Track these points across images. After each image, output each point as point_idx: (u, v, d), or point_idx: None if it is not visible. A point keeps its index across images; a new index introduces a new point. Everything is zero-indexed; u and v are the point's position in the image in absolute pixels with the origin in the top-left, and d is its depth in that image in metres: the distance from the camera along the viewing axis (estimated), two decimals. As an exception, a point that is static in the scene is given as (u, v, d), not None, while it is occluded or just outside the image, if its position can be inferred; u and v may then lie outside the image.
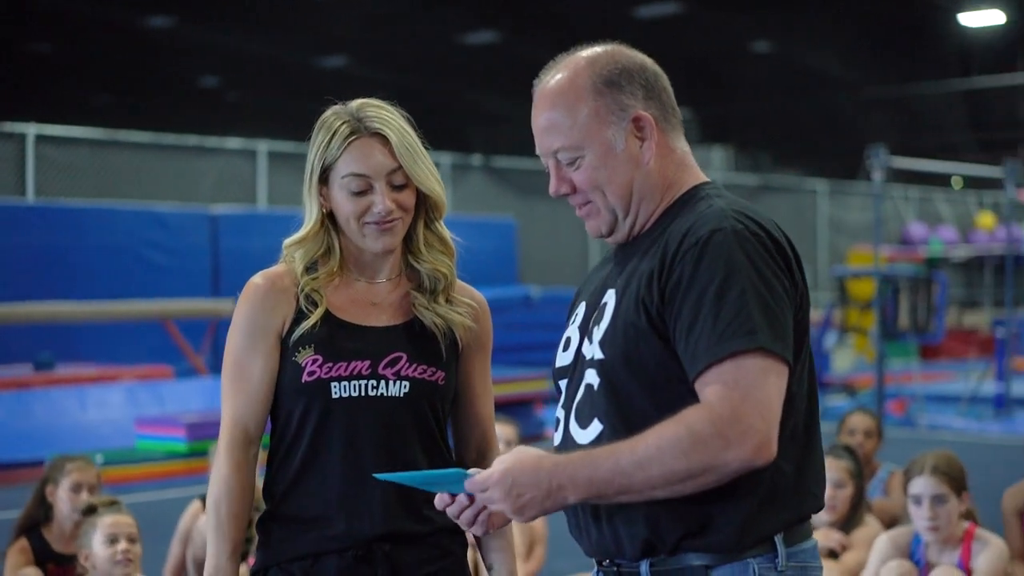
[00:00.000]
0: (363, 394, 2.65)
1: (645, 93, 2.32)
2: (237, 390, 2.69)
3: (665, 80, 2.37)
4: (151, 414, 11.16)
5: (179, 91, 25.32)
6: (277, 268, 2.90)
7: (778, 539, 2.20)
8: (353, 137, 2.73)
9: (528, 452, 2.21)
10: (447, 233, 2.92)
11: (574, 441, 2.32)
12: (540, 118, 2.35)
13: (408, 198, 2.76)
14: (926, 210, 24.10)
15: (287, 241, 2.90)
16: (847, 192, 23.02)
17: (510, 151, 21.04)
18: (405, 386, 2.68)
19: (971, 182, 26.26)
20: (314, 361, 2.66)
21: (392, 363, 2.68)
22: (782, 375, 2.11)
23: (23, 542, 5.27)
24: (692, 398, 2.14)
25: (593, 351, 2.30)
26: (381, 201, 2.70)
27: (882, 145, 13.80)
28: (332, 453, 2.65)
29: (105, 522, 4.78)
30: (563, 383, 2.40)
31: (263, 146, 16.37)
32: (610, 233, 2.38)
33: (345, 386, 2.65)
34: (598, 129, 2.30)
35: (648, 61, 2.37)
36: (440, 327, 2.76)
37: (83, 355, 13.72)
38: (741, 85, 27.05)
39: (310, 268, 2.83)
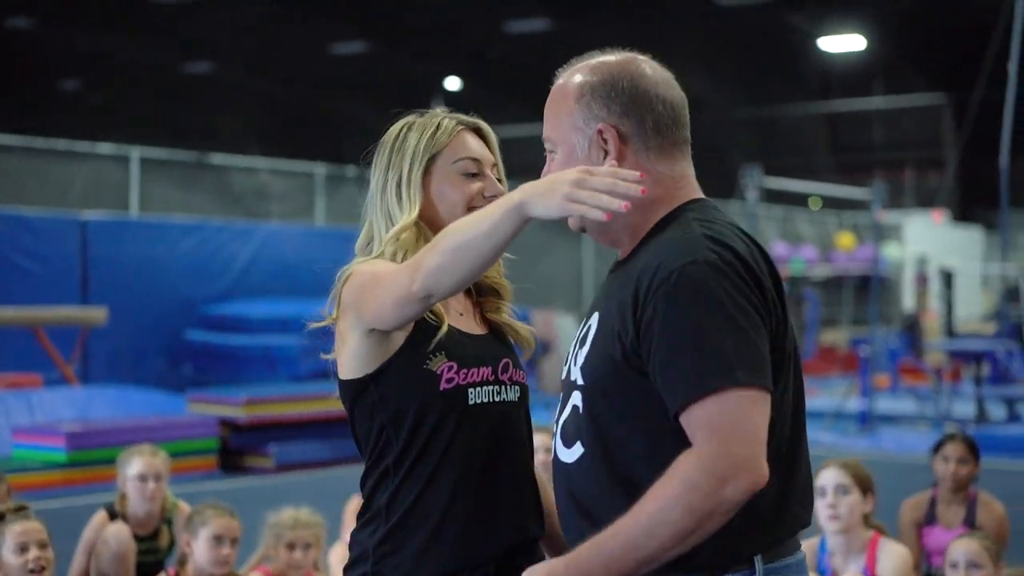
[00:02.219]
0: (491, 400, 2.61)
1: (623, 109, 2.35)
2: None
3: (667, 103, 2.37)
4: (22, 423, 10.91)
5: (40, 94, 24.78)
6: None
7: (757, 559, 2.23)
8: (460, 127, 2.73)
9: (541, 568, 2.26)
10: None
11: (559, 459, 2.38)
12: (547, 103, 2.44)
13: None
14: (788, 229, 24.65)
15: (387, 237, 2.70)
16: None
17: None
18: (517, 390, 2.67)
19: (830, 203, 26.93)
20: (450, 368, 2.57)
21: (505, 368, 2.65)
22: (764, 403, 2.15)
23: None
24: (671, 430, 2.18)
25: (576, 375, 2.35)
26: (494, 186, 2.69)
27: (756, 166, 14.13)
28: (466, 460, 2.57)
29: (14, 530, 4.73)
30: (561, 396, 2.45)
31: (136, 152, 16.10)
32: (582, 230, 2.45)
33: (479, 392, 2.60)
34: (569, 132, 2.37)
35: (649, 80, 2.37)
36: (511, 335, 2.75)
37: (-52, 363, 13.36)
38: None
39: None
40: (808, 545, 5.04)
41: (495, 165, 2.73)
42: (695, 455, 2.11)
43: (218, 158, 17.57)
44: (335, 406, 11.86)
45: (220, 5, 23.01)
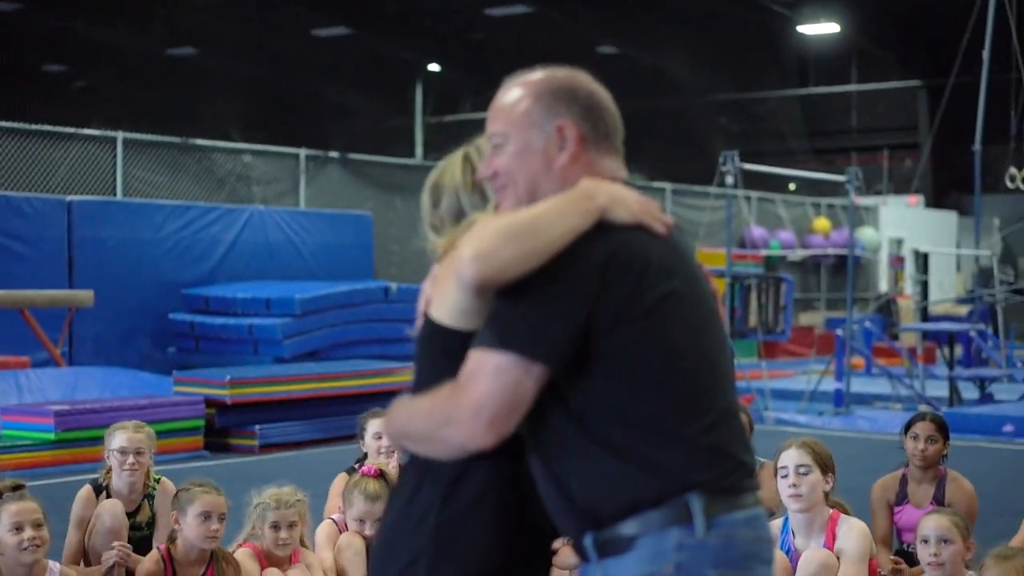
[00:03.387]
0: None
1: (582, 112, 2.58)
2: None
3: (611, 113, 2.63)
4: (10, 403, 11.05)
5: (26, 77, 24.80)
6: None
7: (693, 497, 2.38)
8: None
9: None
10: None
11: None
12: (492, 105, 2.66)
13: None
14: (766, 213, 24.85)
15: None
16: (692, 193, 23.60)
17: (367, 145, 21.16)
18: None
19: (807, 187, 27.14)
20: None
21: None
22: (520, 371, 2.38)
23: None
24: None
25: None
26: None
27: (735, 150, 14.34)
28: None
29: (10, 510, 4.85)
30: None
31: (121, 135, 16.20)
32: None
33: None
34: (525, 125, 2.57)
35: (601, 94, 2.63)
36: None
37: (-65, 344, 13.48)
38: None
39: None
40: (771, 526, 5.24)
41: None
42: (446, 389, 2.41)
43: (202, 141, 17.66)
44: (318, 386, 12.15)
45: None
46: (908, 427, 6.23)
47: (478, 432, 2.37)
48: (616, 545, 2.39)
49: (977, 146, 17.40)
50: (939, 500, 6.07)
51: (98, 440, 9.09)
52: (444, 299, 2.59)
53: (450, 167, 2.91)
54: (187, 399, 11.29)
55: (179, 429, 11.00)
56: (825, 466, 5.10)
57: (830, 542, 5.07)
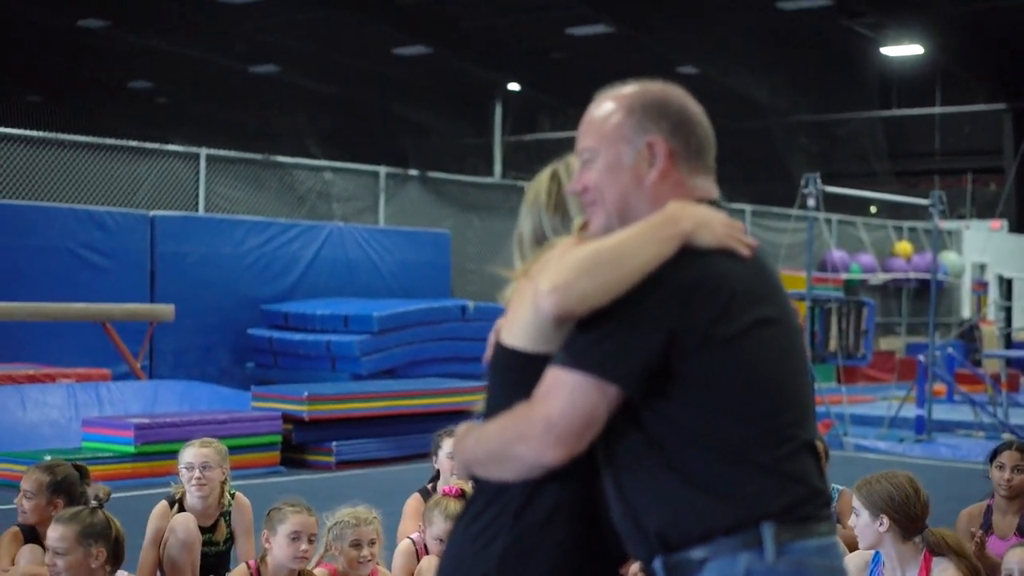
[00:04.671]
0: None
1: (672, 128, 2.53)
2: None
3: (704, 129, 2.58)
4: (91, 415, 11.17)
5: (111, 93, 25.17)
6: None
7: (766, 526, 2.35)
8: None
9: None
10: None
11: None
12: (583, 119, 2.61)
13: None
14: (846, 236, 24.60)
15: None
16: (772, 215, 23.43)
17: (445, 164, 21.21)
18: None
19: (889, 210, 26.85)
20: None
21: None
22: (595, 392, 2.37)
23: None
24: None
25: None
26: None
27: (816, 173, 14.20)
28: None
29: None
30: None
31: (204, 151, 16.37)
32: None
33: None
34: (615, 140, 2.53)
35: (693, 109, 2.58)
36: None
37: (19, 356, 13.66)
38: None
39: None
40: (861, 555, 5.13)
41: None
42: (520, 408, 2.41)
43: (283, 158, 17.80)
44: (395, 404, 12.17)
45: (284, 7, 23.31)
46: (994, 456, 6.12)
47: (548, 448, 2.37)
48: (685, 568, 2.38)
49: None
50: (1022, 531, 5.95)
51: (177, 454, 9.22)
52: (518, 324, 2.56)
53: (536, 185, 2.86)
54: (265, 414, 11.34)
55: (257, 444, 11.05)
56: (875, 508, 4.94)
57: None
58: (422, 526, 5.64)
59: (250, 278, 15.90)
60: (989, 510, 6.08)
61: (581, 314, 2.37)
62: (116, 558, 4.77)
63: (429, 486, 6.39)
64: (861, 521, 4.93)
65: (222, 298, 15.56)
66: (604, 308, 2.35)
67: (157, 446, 10.32)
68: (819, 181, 14.06)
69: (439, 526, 5.42)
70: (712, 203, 2.55)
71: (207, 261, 15.48)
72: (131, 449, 10.27)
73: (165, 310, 13.70)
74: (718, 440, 2.36)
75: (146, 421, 10.49)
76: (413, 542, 5.70)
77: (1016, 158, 22.02)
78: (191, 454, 5.91)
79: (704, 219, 2.43)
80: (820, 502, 2.45)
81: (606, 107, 2.57)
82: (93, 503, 4.86)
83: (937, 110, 29.83)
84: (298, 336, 15.14)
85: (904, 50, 26.66)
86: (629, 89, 2.59)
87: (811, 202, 14.07)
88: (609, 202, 2.55)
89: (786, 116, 28.85)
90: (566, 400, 2.35)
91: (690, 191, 2.54)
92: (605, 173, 2.55)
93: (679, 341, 2.34)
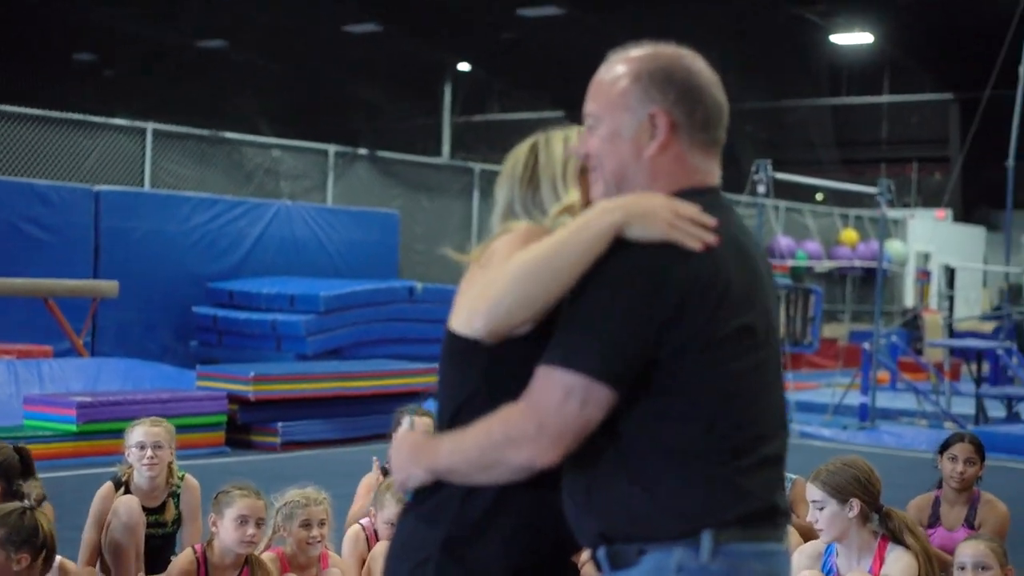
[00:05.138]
0: None
1: (677, 98, 2.41)
2: None
3: (713, 100, 2.46)
4: (32, 393, 11.01)
5: (56, 66, 24.81)
6: None
7: (705, 534, 2.30)
8: None
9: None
10: None
11: None
12: (593, 80, 2.50)
13: None
14: (793, 223, 24.71)
15: (559, 208, 2.67)
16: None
17: (395, 143, 21.09)
18: None
19: (835, 198, 26.98)
20: None
21: None
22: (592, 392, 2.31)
23: None
24: None
25: None
26: None
27: (767, 159, 14.23)
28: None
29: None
30: None
31: (151, 125, 16.16)
32: None
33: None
34: (619, 109, 2.43)
35: (702, 77, 2.46)
36: None
37: (-42, 330, 13.46)
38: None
39: None
40: (814, 546, 5.12)
41: None
42: (508, 409, 2.33)
43: (231, 134, 17.61)
44: (343, 386, 12.08)
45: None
46: (945, 447, 6.11)
47: (542, 451, 2.30)
48: (625, 558, 2.35)
49: (1011, 161, 17.24)
50: (970, 522, 5.96)
51: (120, 433, 9.06)
52: (463, 309, 2.50)
53: (513, 157, 2.78)
54: (210, 394, 11.22)
55: (201, 424, 10.93)
56: (843, 494, 4.93)
57: (876, 567, 4.93)
58: (372, 510, 5.58)
59: (196, 255, 15.72)
60: (937, 501, 6.08)
61: (515, 330, 2.35)
62: (46, 561, 4.64)
63: (386, 466, 6.32)
64: (828, 511, 4.89)
65: (167, 275, 15.39)
66: (597, 303, 2.28)
67: (100, 425, 10.19)
68: (770, 168, 14.08)
69: (390, 509, 5.36)
70: (708, 191, 2.45)
71: (152, 237, 15.29)
72: (73, 428, 10.13)
73: (109, 286, 13.52)
74: (679, 446, 2.31)
75: (88, 399, 10.34)
76: (363, 527, 5.63)
77: (963, 148, 22.16)
78: (142, 433, 5.80)
79: (640, 209, 2.29)
80: (776, 519, 2.40)
81: (615, 71, 2.46)
82: (26, 503, 4.71)
83: (885, 99, 30.02)
84: (243, 315, 14.99)
85: (853, 38, 26.78)
86: (640, 52, 2.47)
87: (761, 188, 14.10)
88: (607, 171, 2.47)
89: (735, 103, 28.91)
90: (558, 401, 2.29)
91: (690, 169, 2.45)
92: (606, 141, 2.46)
93: (666, 342, 2.28)
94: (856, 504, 4.88)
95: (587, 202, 2.60)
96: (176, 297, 15.43)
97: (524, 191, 2.70)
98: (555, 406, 2.28)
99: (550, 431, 2.29)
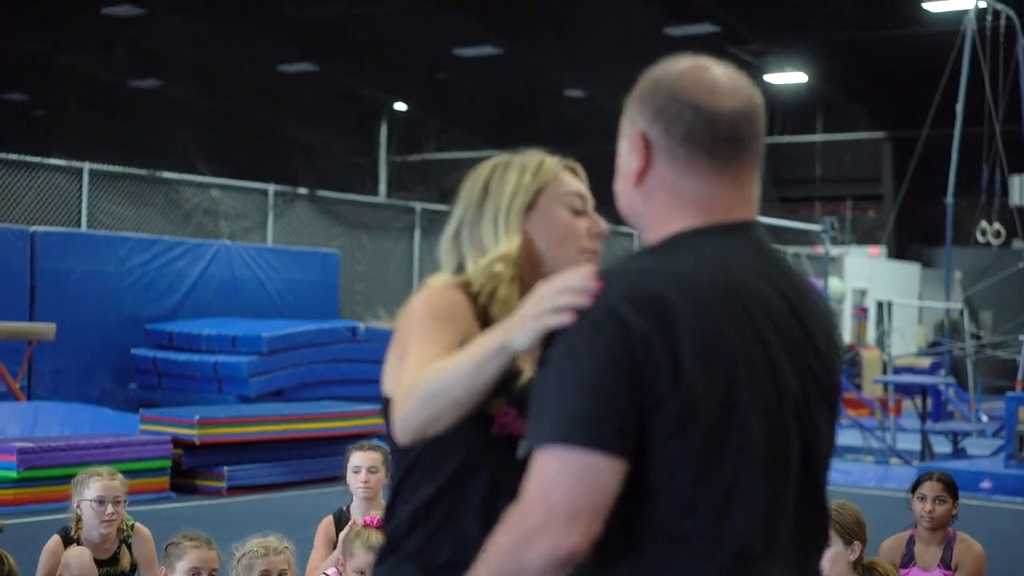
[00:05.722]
0: (508, 445, 2.47)
1: (654, 115, 2.10)
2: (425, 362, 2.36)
3: (704, 110, 2.09)
4: (-33, 438, 10.73)
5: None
6: (450, 283, 2.56)
7: None
8: (562, 165, 2.69)
9: None
10: None
11: None
12: None
13: None
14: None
15: (482, 264, 2.56)
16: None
17: (333, 182, 20.97)
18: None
19: (770, 235, 27.15)
20: (506, 414, 2.47)
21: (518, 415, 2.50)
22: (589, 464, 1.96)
23: None
24: None
25: None
26: (599, 223, 2.63)
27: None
28: (478, 507, 2.48)
29: None
30: None
31: (87, 165, 15.91)
32: None
33: (523, 445, 2.31)
34: (623, 136, 2.17)
35: (690, 86, 2.11)
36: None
37: None
38: (556, 127, 27.53)
39: None
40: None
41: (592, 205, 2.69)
42: (512, 508, 1.99)
43: (169, 174, 17.40)
44: (288, 428, 11.89)
45: (167, 19, 22.87)
46: (915, 487, 6.07)
47: (562, 535, 1.93)
48: None
49: (949, 199, 17.42)
50: (946, 562, 5.91)
51: (62, 479, 8.81)
52: (386, 371, 2.41)
53: (474, 175, 2.65)
54: (154, 438, 10.99)
55: (145, 469, 10.69)
56: (849, 535, 4.89)
57: None
58: (340, 558, 5.44)
59: (134, 296, 15.46)
60: (911, 540, 6.04)
61: (433, 435, 2.24)
62: None
63: (344, 509, 6.18)
64: (834, 551, 4.84)
65: (105, 317, 15.11)
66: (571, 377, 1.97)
67: (41, 471, 9.94)
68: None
69: (360, 558, 5.22)
70: (733, 227, 2.10)
71: (90, 278, 15.03)
72: (14, 474, 9.86)
73: (46, 328, 13.26)
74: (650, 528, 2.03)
75: (30, 445, 10.08)
76: (327, 576, 5.49)
77: (899, 185, 22.38)
78: (102, 488, 5.61)
79: (511, 325, 2.09)
80: None
81: (633, 93, 2.19)
82: None
83: (819, 137, 30.31)
84: (183, 356, 14.75)
85: (787, 78, 27.04)
86: (655, 67, 2.18)
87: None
88: (619, 202, 2.19)
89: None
90: (560, 478, 1.94)
91: (679, 194, 2.11)
92: (618, 173, 2.19)
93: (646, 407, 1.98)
94: (858, 547, 4.85)
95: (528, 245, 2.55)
96: (114, 339, 15.15)
97: (473, 217, 2.61)
98: (557, 484, 1.95)
99: (562, 512, 1.94)
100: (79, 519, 5.63)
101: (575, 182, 2.67)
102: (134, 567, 5.74)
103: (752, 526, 2.01)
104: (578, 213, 2.63)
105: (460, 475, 2.48)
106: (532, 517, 1.94)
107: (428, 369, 2.25)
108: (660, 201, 2.11)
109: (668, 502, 1.99)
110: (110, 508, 5.58)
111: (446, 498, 2.49)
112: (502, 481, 2.44)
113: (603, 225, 2.63)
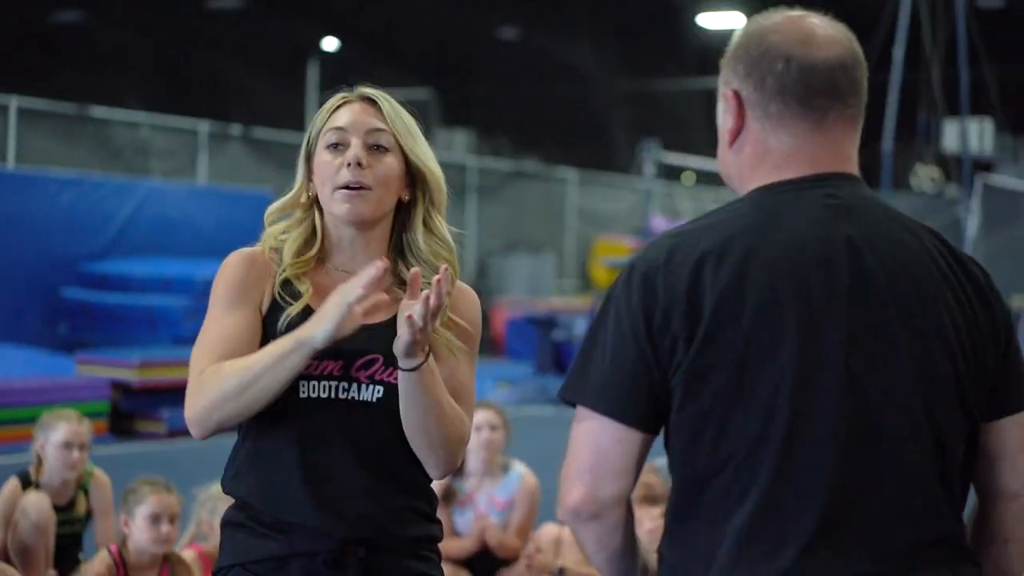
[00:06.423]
0: (332, 396, 2.51)
1: (747, 69, 2.04)
2: (212, 343, 2.55)
3: (798, 58, 2.02)
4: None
5: None
6: (254, 248, 2.67)
7: None
8: (343, 101, 2.62)
9: None
10: (447, 233, 2.66)
11: None
12: None
13: (388, 167, 2.58)
14: (666, 204, 24.86)
15: (269, 209, 2.68)
16: (596, 183, 23.48)
17: (264, 122, 20.61)
18: (379, 391, 2.51)
19: (705, 178, 27.23)
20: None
21: (367, 365, 2.51)
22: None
23: None
24: None
25: None
26: (352, 153, 2.54)
27: (654, 140, 14.17)
28: (296, 455, 2.51)
29: None
30: None
31: (15, 101, 15.49)
32: None
33: (314, 386, 2.50)
34: (719, 101, 2.13)
35: (780, 37, 2.04)
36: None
37: None
38: (488, 70, 27.29)
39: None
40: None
41: (379, 131, 2.58)
42: None
43: (99, 111, 17.01)
44: (231, 370, 11.72)
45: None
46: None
47: (567, 490, 2.05)
48: None
49: (887, 144, 17.48)
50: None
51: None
52: None
53: None
54: (91, 381, 10.76)
55: (83, 412, 10.42)
56: None
57: None
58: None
59: (64, 236, 15.08)
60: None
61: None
62: None
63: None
64: None
65: (33, 257, 14.73)
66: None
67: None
68: (656, 148, 14.03)
69: None
70: (804, 180, 2.03)
71: (17, 217, 14.63)
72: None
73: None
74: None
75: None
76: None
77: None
78: (70, 432, 5.43)
79: (311, 322, 2.38)
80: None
81: None
82: None
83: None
84: (116, 298, 14.45)
85: (723, 19, 26.94)
86: (742, 27, 2.12)
87: (648, 170, 14.04)
88: (719, 167, 2.14)
89: (609, 83, 28.97)
90: (577, 437, 2.03)
91: (765, 151, 2.05)
92: (719, 137, 2.13)
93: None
94: None
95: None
96: (44, 280, 14.78)
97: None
98: (572, 445, 2.07)
99: (572, 469, 2.07)
100: (40, 462, 5.44)
101: (343, 115, 2.61)
102: (90, 514, 5.56)
103: (766, 499, 1.93)
104: (336, 148, 2.58)
105: (261, 423, 2.56)
106: (564, 469, 2.05)
107: (225, 366, 2.43)
108: (747, 158, 2.07)
109: (688, 468, 2.00)
110: (76, 453, 5.42)
111: (261, 452, 2.59)
112: (291, 426, 2.55)
113: (351, 154, 2.55)
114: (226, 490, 2.62)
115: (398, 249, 2.64)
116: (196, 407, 2.47)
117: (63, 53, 24.79)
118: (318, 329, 2.34)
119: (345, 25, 27.17)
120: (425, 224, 2.63)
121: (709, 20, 26.58)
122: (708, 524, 1.96)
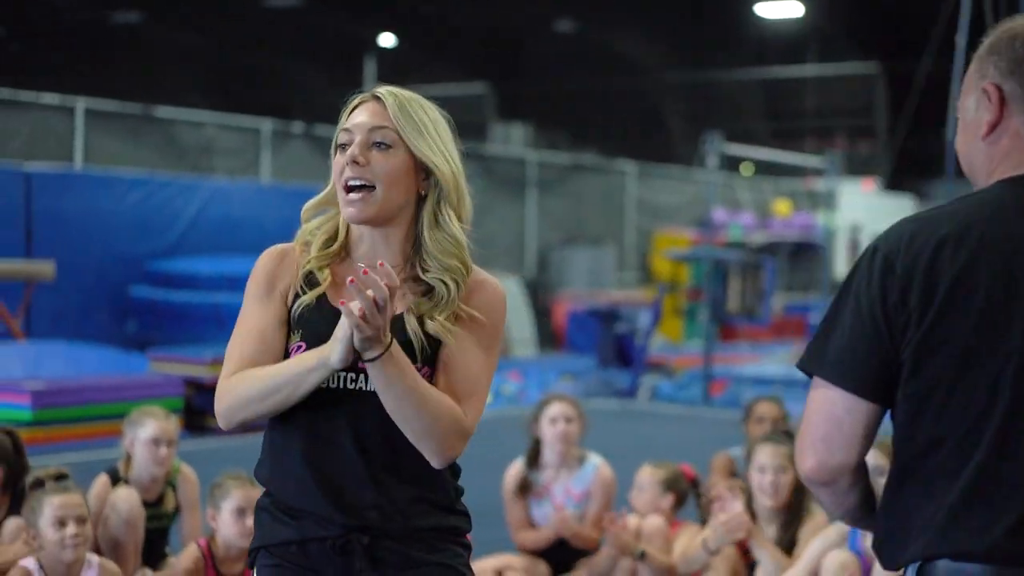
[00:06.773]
0: (340, 387, 2.59)
1: (1008, 67, 2.23)
2: (243, 338, 2.69)
3: None
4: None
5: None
6: (286, 244, 2.83)
7: (911, 568, 2.17)
8: (359, 102, 2.68)
9: None
10: (459, 232, 2.68)
11: None
12: None
13: (390, 163, 2.62)
14: (726, 195, 24.72)
15: (305, 207, 2.82)
16: (655, 175, 23.40)
17: (325, 118, 20.71)
18: None
19: (766, 169, 27.04)
20: (298, 348, 2.64)
21: None
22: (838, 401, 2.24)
23: None
24: None
25: None
26: (351, 150, 2.62)
27: (717, 132, 14.11)
28: (305, 444, 2.62)
29: (53, 502, 4.55)
30: None
31: (81, 103, 15.67)
32: None
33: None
34: (966, 91, 2.28)
35: None
36: (419, 336, 2.62)
37: None
38: (543, 63, 27.22)
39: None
40: (839, 527, 4.97)
41: (381, 128, 2.62)
42: None
43: (164, 111, 17.16)
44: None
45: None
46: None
47: (801, 457, 2.28)
48: None
49: (949, 132, 17.29)
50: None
51: (76, 420, 8.74)
52: None
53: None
54: (165, 378, 10.87)
55: (159, 410, 10.56)
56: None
57: None
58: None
59: (131, 235, 15.27)
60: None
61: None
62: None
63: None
64: (881, 482, 4.78)
65: (102, 255, 14.93)
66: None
67: (55, 411, 9.80)
68: (718, 140, 13.97)
69: None
70: None
71: (86, 217, 14.82)
72: (27, 416, 9.71)
73: (45, 268, 13.06)
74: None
75: (42, 387, 9.94)
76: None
77: (895, 118, 22.28)
78: (158, 429, 5.49)
79: (328, 344, 2.49)
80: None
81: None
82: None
83: (811, 69, 30.08)
84: (183, 295, 14.62)
85: (782, 9, 26.78)
86: (1003, 24, 2.30)
87: (711, 161, 13.99)
88: (960, 159, 2.29)
89: (663, 73, 28.83)
90: (812, 406, 2.24)
91: (1018, 144, 2.23)
92: (960, 129, 2.28)
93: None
94: None
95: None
96: (112, 278, 14.99)
97: None
98: (806, 412, 2.28)
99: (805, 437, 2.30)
100: (129, 458, 5.52)
101: (354, 117, 2.66)
102: (178, 509, 5.64)
103: (980, 476, 2.10)
104: (343, 148, 2.65)
105: (278, 416, 2.68)
106: (799, 437, 2.26)
107: (253, 373, 2.58)
108: (1001, 150, 2.23)
109: (909, 442, 2.19)
110: (164, 449, 5.48)
111: (276, 440, 2.72)
112: (301, 415, 2.65)
113: (349, 152, 2.61)
114: (256, 477, 2.78)
115: (416, 244, 2.68)
116: (223, 404, 2.61)
117: (125, 54, 25.00)
118: (332, 352, 2.47)
119: (401, 21, 27.21)
120: (436, 220, 2.67)
121: (767, 10, 26.45)
122: (923, 497, 2.13)
